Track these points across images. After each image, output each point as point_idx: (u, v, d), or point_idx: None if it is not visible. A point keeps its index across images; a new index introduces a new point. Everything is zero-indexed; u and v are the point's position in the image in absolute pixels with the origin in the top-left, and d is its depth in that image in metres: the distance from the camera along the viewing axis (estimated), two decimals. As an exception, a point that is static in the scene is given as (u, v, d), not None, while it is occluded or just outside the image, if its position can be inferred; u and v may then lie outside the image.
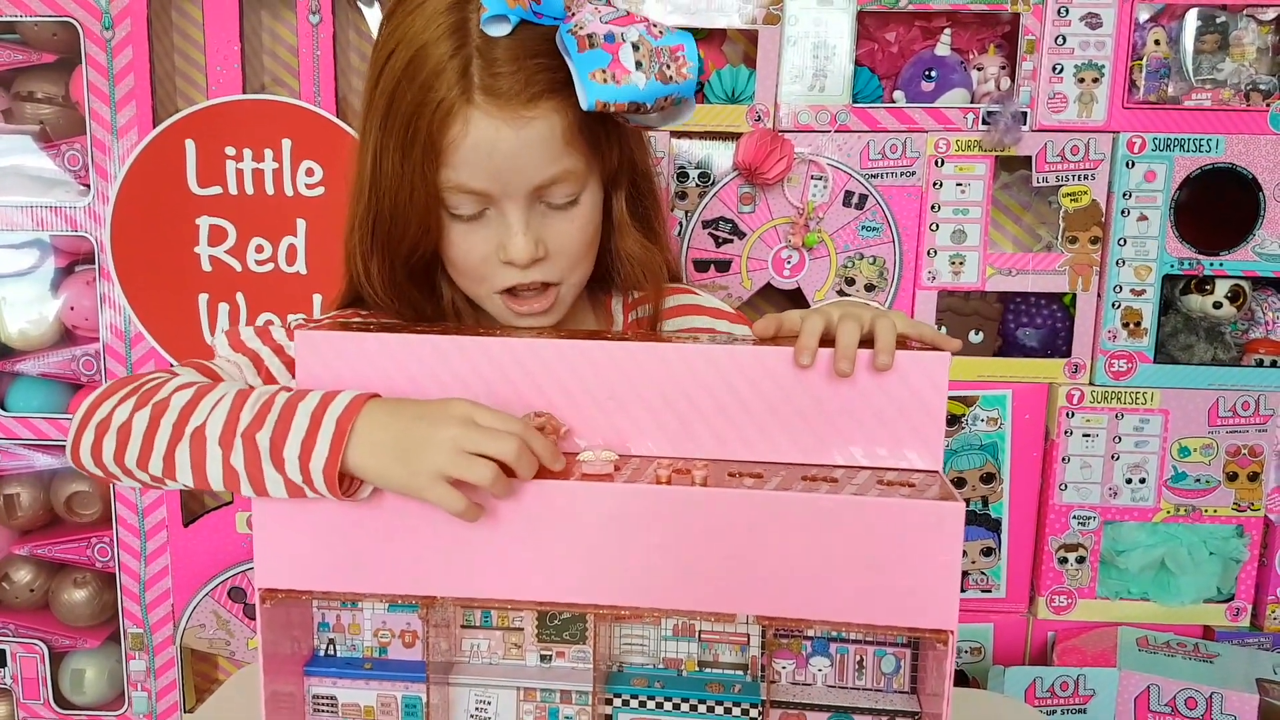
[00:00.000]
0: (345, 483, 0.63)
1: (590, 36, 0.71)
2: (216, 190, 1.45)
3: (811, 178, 1.42)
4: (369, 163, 0.77)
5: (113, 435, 0.68)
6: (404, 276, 0.81)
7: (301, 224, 1.45)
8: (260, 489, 0.64)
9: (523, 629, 0.71)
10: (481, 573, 0.65)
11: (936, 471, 0.67)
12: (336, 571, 0.66)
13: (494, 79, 0.73)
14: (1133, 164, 1.41)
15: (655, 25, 0.74)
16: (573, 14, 0.74)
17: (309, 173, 1.44)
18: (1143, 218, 1.42)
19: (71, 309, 1.56)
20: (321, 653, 0.72)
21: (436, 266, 0.84)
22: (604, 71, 0.71)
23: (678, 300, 0.95)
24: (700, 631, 0.70)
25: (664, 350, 0.68)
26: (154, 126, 1.45)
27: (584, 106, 0.72)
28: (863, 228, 1.43)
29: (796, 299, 1.48)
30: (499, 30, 0.72)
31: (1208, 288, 1.45)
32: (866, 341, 0.67)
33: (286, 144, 1.43)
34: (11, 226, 1.51)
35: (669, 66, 0.73)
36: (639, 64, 0.72)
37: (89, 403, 0.71)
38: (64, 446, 1.50)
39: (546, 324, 0.83)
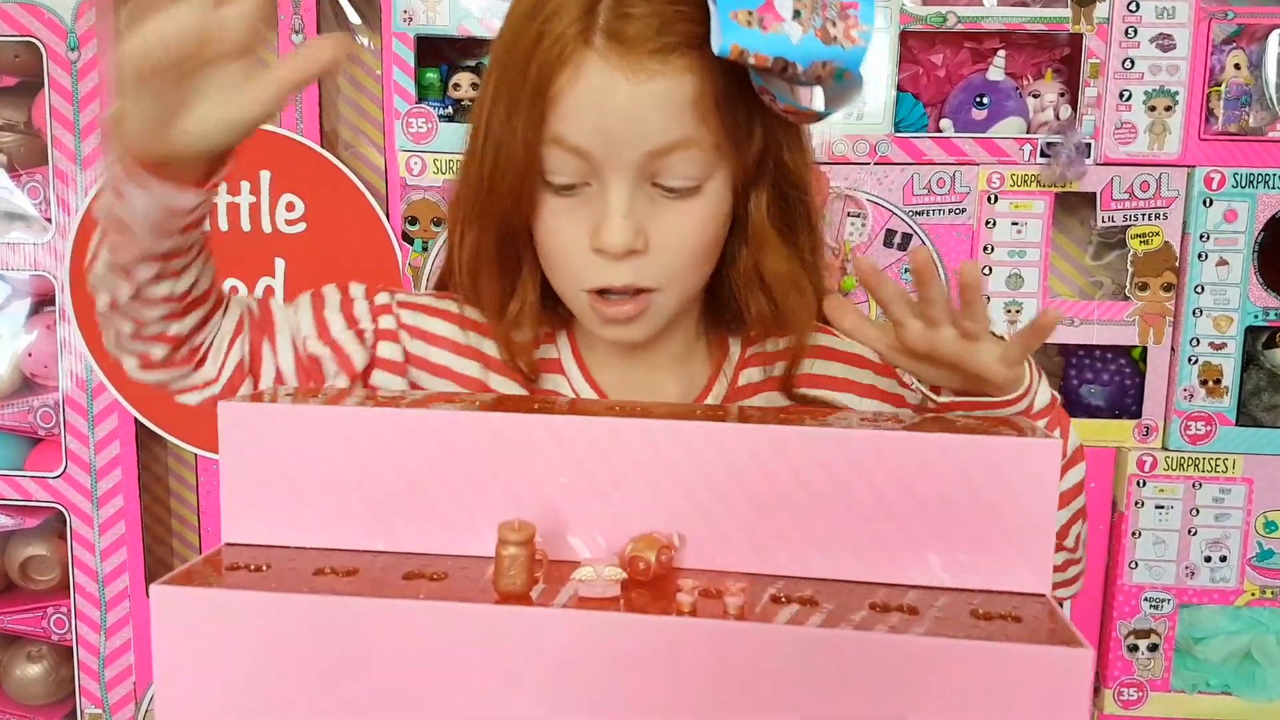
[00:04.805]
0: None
1: None
2: (187, 226, 1.33)
3: (848, 214, 1.34)
4: (480, 120, 0.67)
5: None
6: (492, 255, 0.70)
7: (280, 264, 1.36)
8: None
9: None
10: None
11: (1044, 595, 0.52)
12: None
13: (620, 21, 0.61)
14: (1210, 202, 1.32)
15: None
16: None
17: (289, 207, 1.35)
18: (1222, 262, 1.33)
19: (29, 355, 1.46)
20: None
21: (522, 260, 0.71)
22: (750, 13, 0.58)
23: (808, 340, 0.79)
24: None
25: (683, 429, 0.53)
26: (120, 156, 1.33)
27: (714, 50, 0.59)
28: (906, 270, 1.33)
29: (830, 350, 1.35)
30: None
31: (1295, 341, 1.38)
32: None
33: (265, 176, 1.34)
34: (-29, 265, 1.42)
35: (834, 24, 0.59)
36: (797, 13, 0.58)
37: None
38: (15, 507, 1.42)
39: (635, 337, 0.70)
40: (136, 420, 1.41)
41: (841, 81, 0.62)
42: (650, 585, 0.51)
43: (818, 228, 0.73)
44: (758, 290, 0.71)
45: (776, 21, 0.58)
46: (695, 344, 0.78)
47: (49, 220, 1.39)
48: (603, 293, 0.67)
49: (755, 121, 0.66)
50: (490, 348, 0.73)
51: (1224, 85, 1.30)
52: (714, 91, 0.63)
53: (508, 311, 0.72)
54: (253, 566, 0.54)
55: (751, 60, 0.59)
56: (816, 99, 0.64)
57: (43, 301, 1.49)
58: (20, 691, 1.54)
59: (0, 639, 1.55)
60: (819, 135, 1.29)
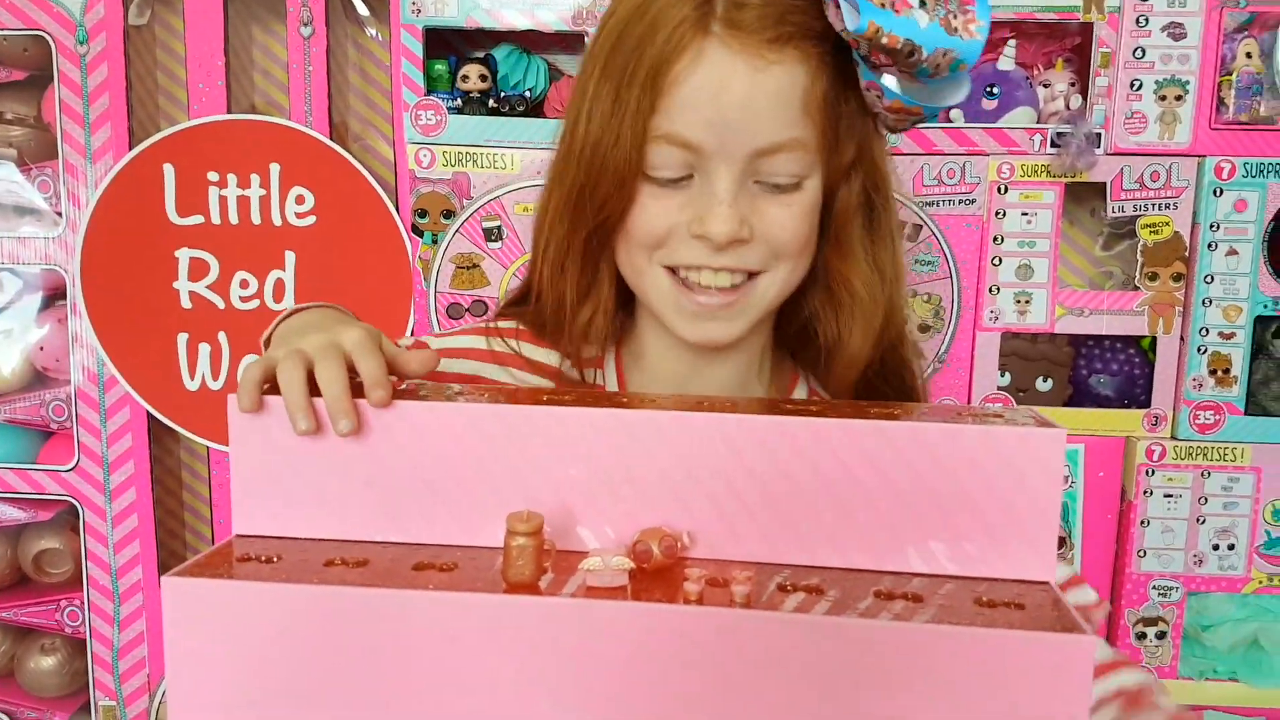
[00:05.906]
0: None
1: None
2: (198, 219, 1.35)
3: (856, 206, 1.29)
4: (578, 117, 0.67)
5: None
6: (578, 255, 0.70)
7: (290, 256, 1.35)
8: None
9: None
10: (454, 714, 0.50)
11: (1047, 583, 0.52)
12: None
13: (738, 9, 0.62)
14: (1221, 192, 1.29)
15: None
16: None
17: (299, 200, 1.34)
18: (1232, 252, 1.31)
19: (41, 349, 1.45)
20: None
21: (601, 264, 0.71)
22: None
23: None
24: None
25: (691, 420, 0.53)
26: (130, 149, 1.33)
27: (848, 26, 0.60)
28: (916, 261, 1.33)
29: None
30: None
31: (1305, 331, 1.35)
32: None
33: (275, 169, 1.33)
34: (-15, 259, 1.42)
35: (955, 16, 0.61)
36: (923, 2, 0.61)
37: None
38: (28, 501, 1.41)
39: (723, 334, 0.69)
40: (148, 413, 1.40)
41: (955, 74, 0.63)
42: (658, 575, 0.51)
43: (899, 248, 0.71)
44: (829, 305, 0.69)
45: (905, 7, 0.60)
46: (755, 378, 0.75)
47: (59, 214, 1.38)
48: (687, 282, 0.66)
49: (854, 123, 0.66)
50: (507, 378, 0.73)
51: (1235, 74, 1.27)
52: (822, 87, 0.64)
53: (580, 316, 0.71)
54: (263, 558, 0.54)
55: (884, 40, 0.60)
56: (926, 94, 0.64)
57: (54, 295, 1.48)
58: (34, 684, 1.52)
59: (14, 632, 1.54)
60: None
